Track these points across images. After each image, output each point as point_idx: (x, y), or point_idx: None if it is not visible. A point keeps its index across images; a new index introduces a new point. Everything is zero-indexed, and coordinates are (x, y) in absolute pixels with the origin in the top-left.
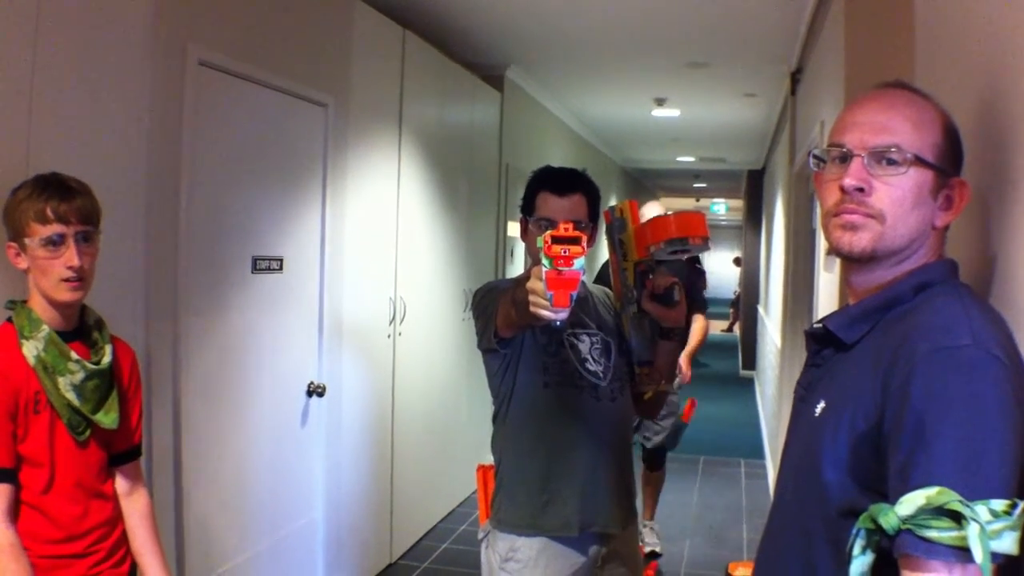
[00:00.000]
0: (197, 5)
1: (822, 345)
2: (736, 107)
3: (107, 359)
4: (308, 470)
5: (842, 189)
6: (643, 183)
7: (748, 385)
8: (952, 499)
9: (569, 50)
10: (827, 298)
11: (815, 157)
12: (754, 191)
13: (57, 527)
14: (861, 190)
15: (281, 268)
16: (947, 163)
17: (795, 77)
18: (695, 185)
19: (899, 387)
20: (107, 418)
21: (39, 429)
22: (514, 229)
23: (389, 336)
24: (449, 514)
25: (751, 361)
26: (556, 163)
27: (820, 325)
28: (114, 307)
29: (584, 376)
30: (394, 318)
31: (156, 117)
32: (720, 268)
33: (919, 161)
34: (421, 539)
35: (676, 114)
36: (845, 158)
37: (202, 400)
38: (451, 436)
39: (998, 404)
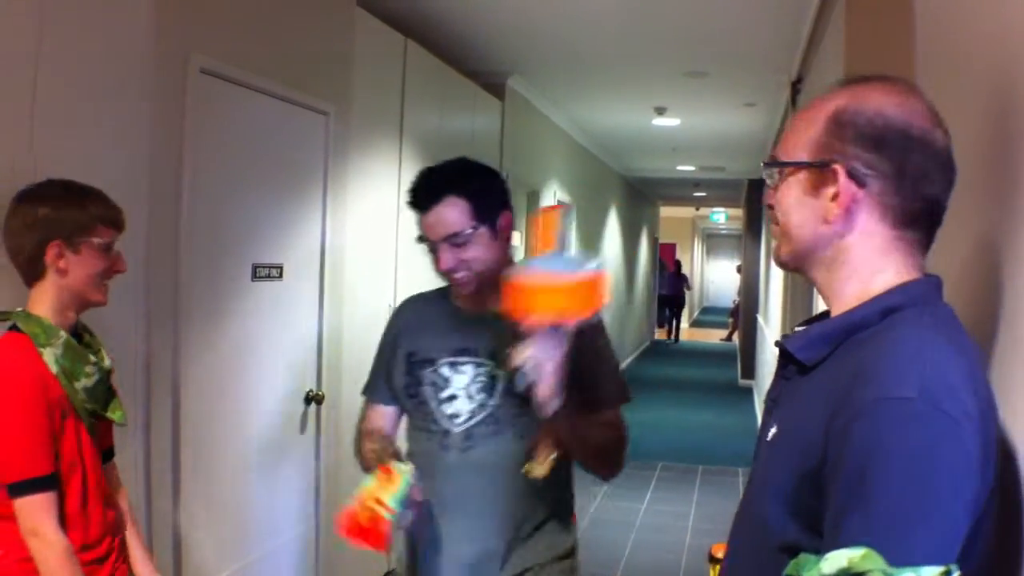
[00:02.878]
0: (199, 14)
1: (789, 360)
2: (736, 116)
3: (108, 359)
4: (306, 477)
5: None
6: (643, 192)
7: (747, 394)
8: (875, 568)
9: (570, 59)
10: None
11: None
12: (754, 200)
13: (91, 532)
14: (771, 207)
15: (281, 276)
16: (826, 153)
17: (795, 87)
18: (695, 194)
19: (839, 434)
20: (116, 415)
21: (70, 434)
22: (514, 237)
23: None
24: None
25: (750, 370)
26: (558, 172)
27: (782, 339)
28: (114, 314)
29: (437, 420)
30: None
31: (158, 125)
32: (719, 277)
33: (775, 164)
34: None
35: (676, 123)
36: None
37: (201, 407)
38: None
39: (940, 464)
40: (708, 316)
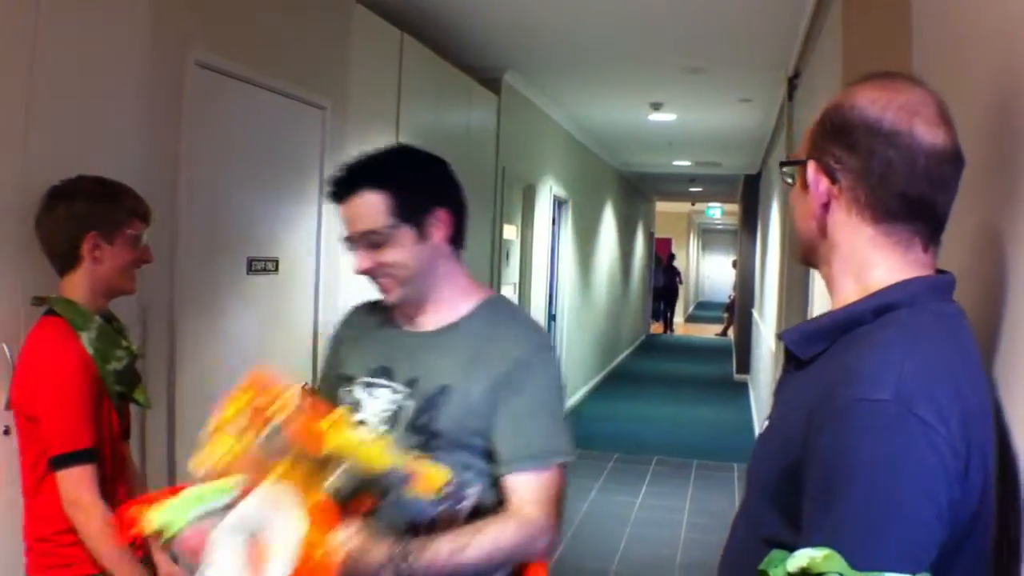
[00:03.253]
0: (195, 7)
1: (788, 354)
2: (732, 112)
3: (135, 344)
4: None
5: None
6: (639, 187)
7: (742, 389)
8: (835, 570)
9: (566, 54)
10: (822, 302)
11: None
12: (750, 196)
13: (113, 506)
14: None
15: (276, 269)
16: (813, 151)
17: (792, 82)
18: (691, 189)
19: (815, 432)
20: (140, 398)
21: (103, 413)
22: (510, 232)
23: None
24: None
25: (745, 365)
26: (554, 168)
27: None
28: (110, 306)
29: None
30: None
31: (154, 118)
32: (715, 272)
33: (782, 164)
34: None
35: (672, 119)
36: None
37: (196, 400)
38: None
39: (909, 469)
40: (704, 311)
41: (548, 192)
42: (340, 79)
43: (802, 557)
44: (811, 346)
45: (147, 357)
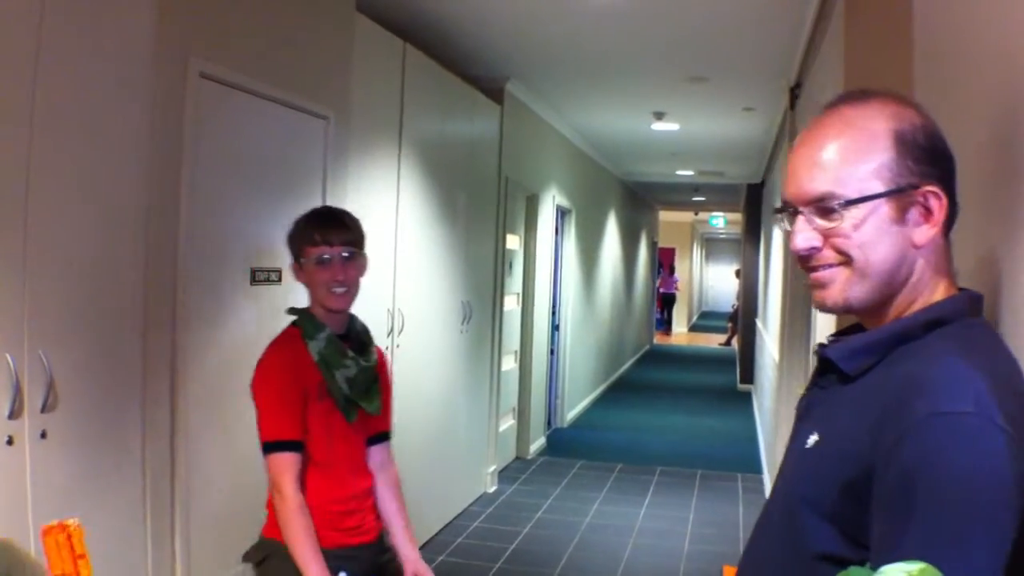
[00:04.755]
0: (199, 18)
1: (827, 368)
2: (735, 121)
3: (373, 358)
4: None
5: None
6: (642, 196)
7: (746, 399)
8: None
9: (569, 63)
10: (826, 314)
11: (779, 216)
12: (753, 205)
13: (336, 489)
14: (813, 249)
15: (280, 280)
16: (906, 177)
17: (794, 92)
18: (694, 199)
19: (891, 447)
20: (371, 405)
21: (321, 412)
22: (513, 242)
23: (387, 348)
24: (445, 526)
25: (749, 375)
26: (557, 177)
27: (824, 347)
28: (113, 317)
29: None
30: (392, 330)
31: (157, 128)
32: (718, 282)
33: (858, 201)
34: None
35: (675, 128)
36: (794, 215)
37: (200, 411)
38: (448, 447)
39: (996, 480)
40: (707, 321)
41: (551, 201)
42: (343, 89)
43: (896, 571)
44: (860, 361)
45: (149, 367)
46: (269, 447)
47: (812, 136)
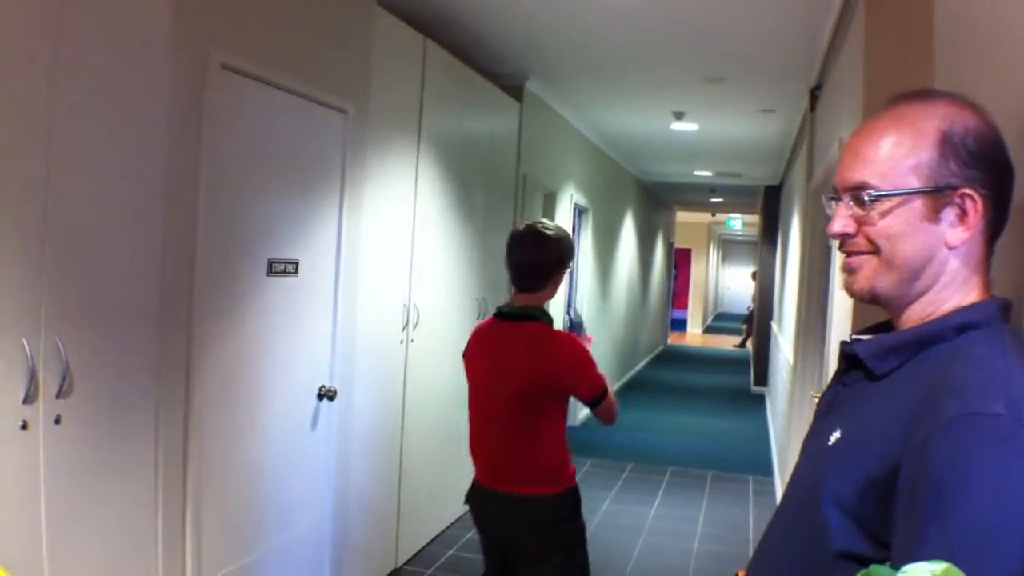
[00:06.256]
0: (219, 9)
1: (852, 366)
2: (754, 122)
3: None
4: (317, 473)
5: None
6: (659, 196)
7: (759, 401)
8: None
9: (588, 62)
10: (841, 316)
11: (825, 200)
12: (770, 207)
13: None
14: (846, 235)
15: (296, 271)
16: (945, 177)
17: (815, 93)
18: (711, 199)
19: (920, 445)
20: None
21: None
22: None
23: (401, 342)
24: (456, 520)
25: (763, 377)
26: (575, 175)
27: (851, 344)
28: (129, 304)
29: None
30: (407, 324)
31: (176, 119)
32: (734, 283)
33: (892, 195)
34: (427, 545)
35: (694, 128)
36: (837, 200)
37: (214, 401)
38: (460, 443)
39: None
40: (722, 322)
41: (569, 200)
42: (362, 83)
43: (921, 571)
44: (889, 360)
45: (164, 357)
46: (605, 391)
47: (866, 128)
